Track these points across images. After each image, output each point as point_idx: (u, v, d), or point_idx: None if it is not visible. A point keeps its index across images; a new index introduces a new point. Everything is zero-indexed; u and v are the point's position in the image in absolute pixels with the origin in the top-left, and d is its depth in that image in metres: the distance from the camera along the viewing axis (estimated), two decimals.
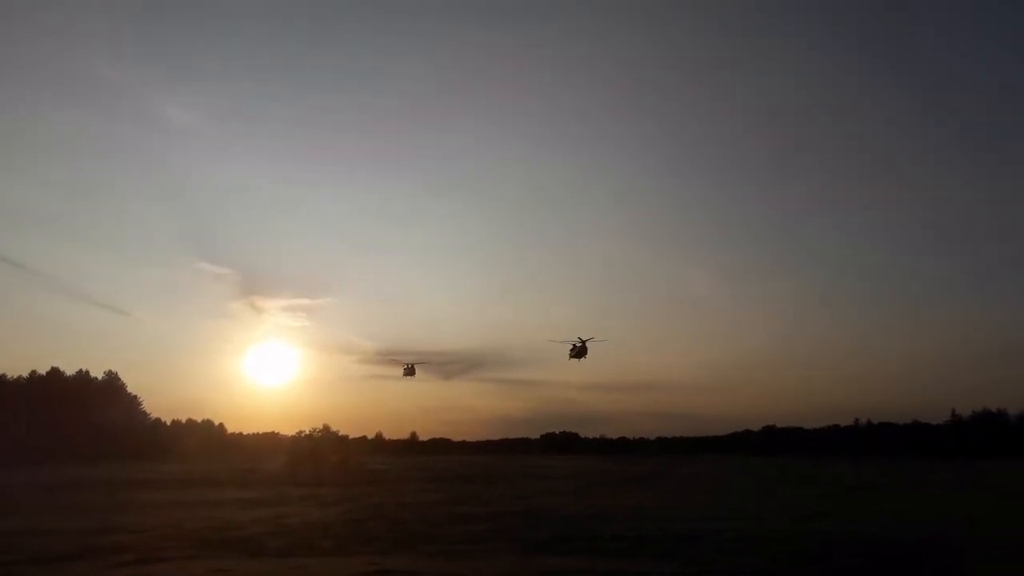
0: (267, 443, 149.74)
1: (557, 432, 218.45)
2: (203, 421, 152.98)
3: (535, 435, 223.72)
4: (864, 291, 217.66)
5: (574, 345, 55.65)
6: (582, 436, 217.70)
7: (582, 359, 56.08)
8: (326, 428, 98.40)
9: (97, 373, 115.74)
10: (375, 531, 22.21)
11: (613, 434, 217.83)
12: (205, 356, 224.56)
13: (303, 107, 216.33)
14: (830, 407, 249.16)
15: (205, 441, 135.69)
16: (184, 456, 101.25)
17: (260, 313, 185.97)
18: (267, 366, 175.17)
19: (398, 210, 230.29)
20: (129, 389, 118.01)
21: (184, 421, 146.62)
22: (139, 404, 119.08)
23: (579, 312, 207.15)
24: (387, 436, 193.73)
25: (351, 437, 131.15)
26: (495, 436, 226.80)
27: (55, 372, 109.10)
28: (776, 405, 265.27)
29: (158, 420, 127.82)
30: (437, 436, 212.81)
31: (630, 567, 15.55)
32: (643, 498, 38.38)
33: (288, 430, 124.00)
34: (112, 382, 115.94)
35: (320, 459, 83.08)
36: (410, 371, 69.15)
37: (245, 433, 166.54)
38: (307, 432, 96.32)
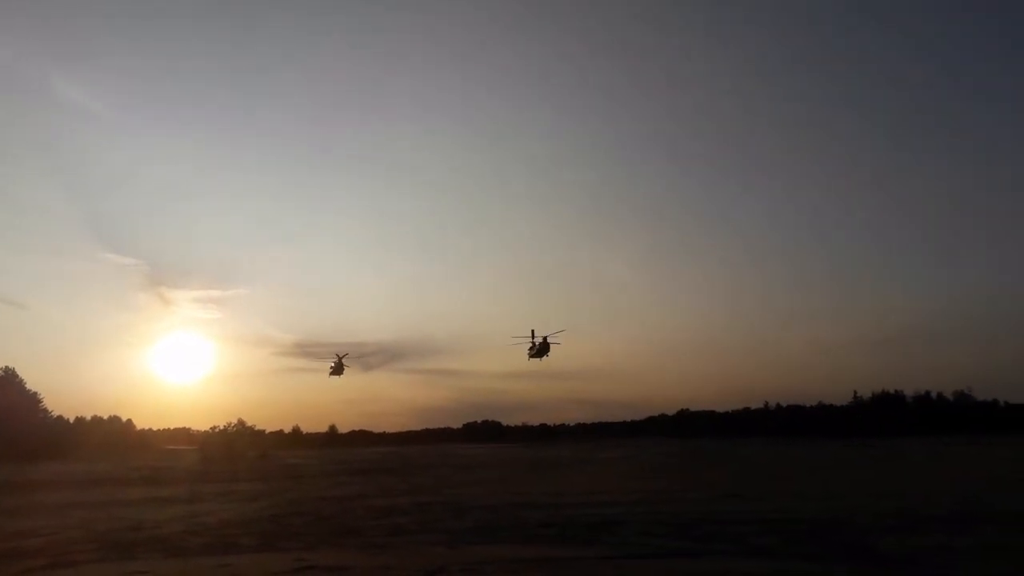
0: (179, 439, 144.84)
1: (479, 421, 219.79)
2: (110, 418, 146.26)
3: (457, 424, 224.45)
4: (770, 279, 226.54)
5: (533, 343, 49.57)
6: (504, 424, 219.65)
7: (543, 358, 49.75)
8: (241, 422, 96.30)
9: None
10: (298, 527, 21.83)
11: (535, 421, 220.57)
12: (111, 350, 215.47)
13: (212, 86, 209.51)
14: (741, 391, 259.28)
15: (112, 439, 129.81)
16: (90, 455, 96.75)
17: (169, 305, 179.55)
18: (177, 360, 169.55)
19: (314, 195, 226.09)
20: (28, 386, 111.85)
21: (89, 418, 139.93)
22: (39, 401, 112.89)
23: (499, 301, 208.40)
24: (305, 430, 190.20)
25: (267, 431, 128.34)
26: (417, 427, 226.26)
27: None
28: (689, 389, 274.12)
29: (60, 418, 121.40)
30: (357, 428, 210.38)
31: (558, 553, 15.82)
32: (566, 484, 39.02)
33: (201, 426, 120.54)
34: (9, 379, 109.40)
35: (235, 454, 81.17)
36: (337, 369, 59.55)
37: (155, 429, 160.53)
38: (221, 427, 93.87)
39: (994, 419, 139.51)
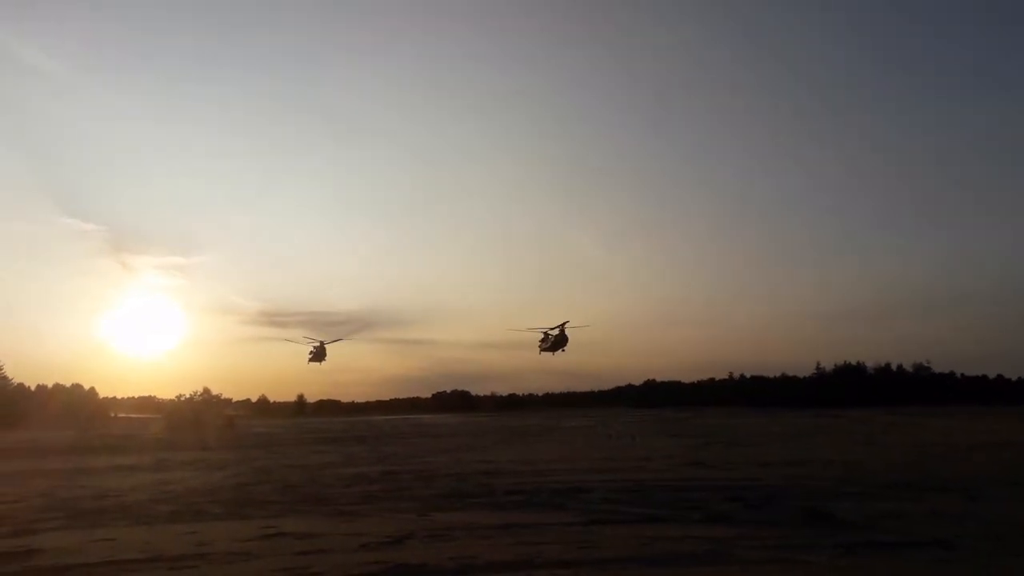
0: (144, 408, 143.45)
1: (448, 390, 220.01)
2: (72, 385, 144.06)
3: (426, 394, 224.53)
4: (736, 253, 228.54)
5: (546, 335, 44.31)
6: (473, 394, 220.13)
7: (557, 352, 44.66)
8: (206, 391, 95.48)
9: None
10: (266, 494, 21.84)
11: (503, 391, 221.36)
12: (72, 318, 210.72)
13: (173, 44, 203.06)
14: (706, 362, 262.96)
15: (75, 407, 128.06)
16: (52, 423, 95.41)
17: (130, 271, 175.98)
18: (140, 328, 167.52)
19: (282, 158, 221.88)
20: None
21: (51, 386, 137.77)
22: None
23: (470, 271, 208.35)
24: (273, 399, 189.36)
25: (234, 400, 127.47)
26: (386, 396, 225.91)
27: None
28: (656, 360, 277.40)
29: (21, 385, 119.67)
30: (326, 398, 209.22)
31: (525, 519, 16.05)
32: (533, 452, 39.40)
33: (165, 394, 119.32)
34: None
35: (202, 423, 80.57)
36: (318, 355, 53.22)
37: (119, 398, 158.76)
38: (186, 396, 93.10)
39: (951, 390, 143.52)
